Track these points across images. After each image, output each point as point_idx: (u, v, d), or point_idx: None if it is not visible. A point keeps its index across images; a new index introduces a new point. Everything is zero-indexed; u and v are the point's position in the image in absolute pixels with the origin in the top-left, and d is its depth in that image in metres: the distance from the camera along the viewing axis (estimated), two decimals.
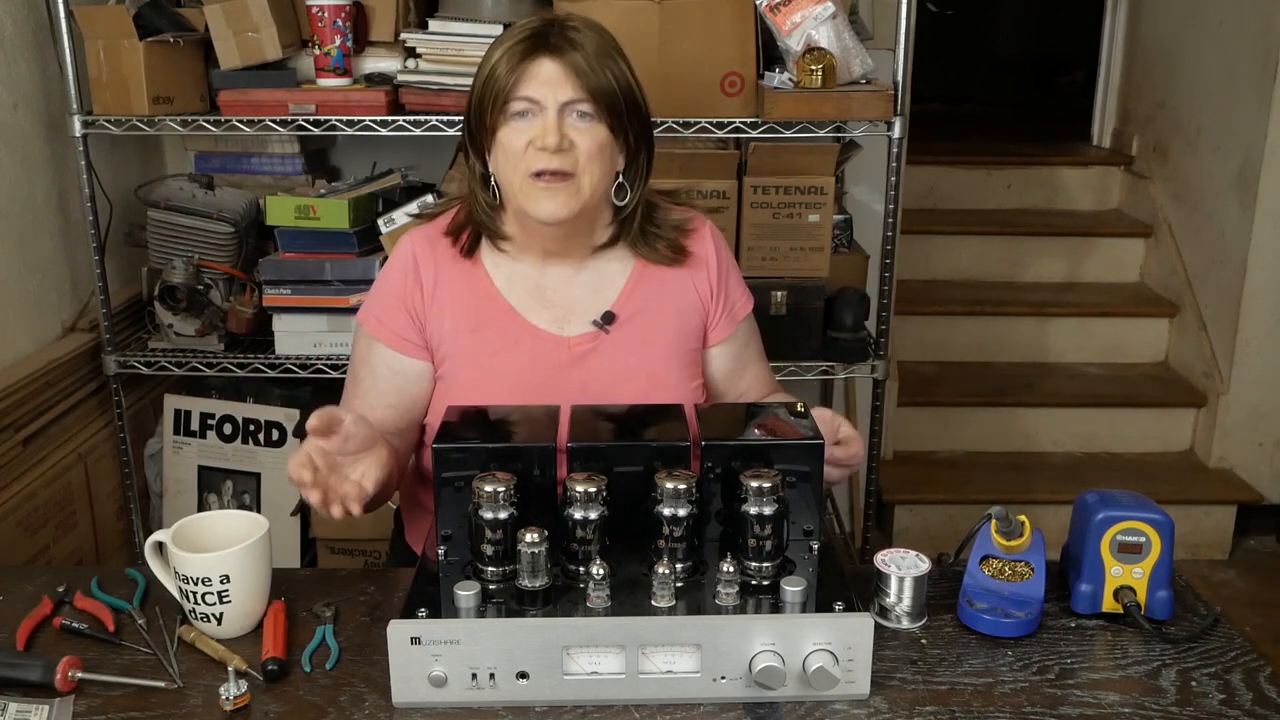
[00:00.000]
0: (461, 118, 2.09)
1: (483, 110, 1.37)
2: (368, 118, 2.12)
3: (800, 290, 2.28)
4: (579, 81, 1.33)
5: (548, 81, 1.34)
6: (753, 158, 2.24)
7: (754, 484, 1.13)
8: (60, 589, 1.27)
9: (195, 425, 2.49)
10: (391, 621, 1.06)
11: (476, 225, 1.46)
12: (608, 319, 1.46)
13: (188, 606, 1.18)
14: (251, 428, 2.48)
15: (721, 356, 1.55)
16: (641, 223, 1.48)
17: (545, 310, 1.46)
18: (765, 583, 1.13)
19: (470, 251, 1.47)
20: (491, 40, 2.06)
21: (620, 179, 1.44)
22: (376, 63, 2.22)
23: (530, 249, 1.46)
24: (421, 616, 1.06)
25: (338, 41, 2.11)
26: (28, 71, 2.19)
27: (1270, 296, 3.20)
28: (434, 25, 2.14)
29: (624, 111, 1.37)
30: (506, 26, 2.07)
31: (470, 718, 1.06)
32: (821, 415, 1.29)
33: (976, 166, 4.06)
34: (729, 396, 1.57)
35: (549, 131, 1.33)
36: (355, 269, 2.23)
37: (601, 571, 1.08)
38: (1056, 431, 3.48)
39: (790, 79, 2.09)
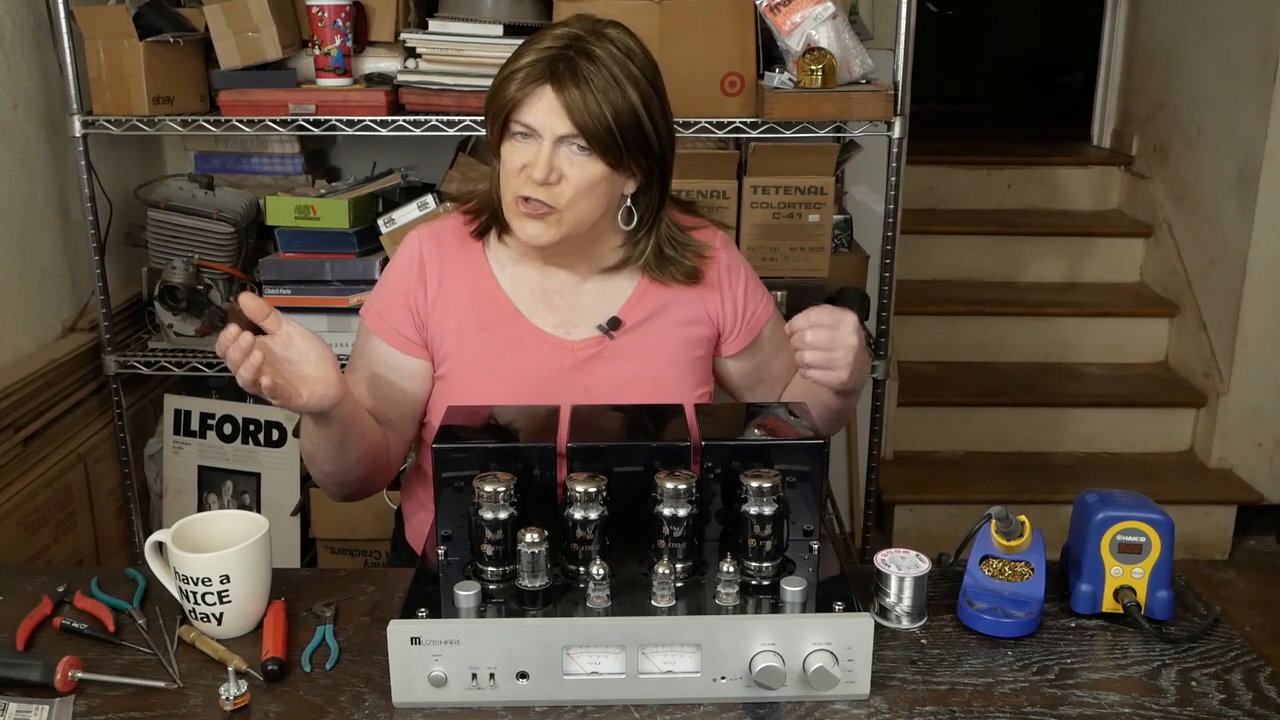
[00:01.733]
0: (461, 118, 2.12)
1: (490, 122, 1.38)
2: (368, 118, 2.12)
3: (800, 290, 2.28)
4: (573, 119, 1.31)
5: (544, 112, 1.32)
6: (753, 158, 2.24)
7: (754, 484, 1.13)
8: (60, 589, 1.27)
9: (195, 425, 2.49)
10: (391, 621, 1.05)
11: (490, 213, 1.47)
12: (613, 324, 1.46)
13: (188, 606, 1.18)
14: (251, 428, 2.48)
15: (740, 364, 1.56)
16: (659, 245, 1.46)
17: (551, 314, 1.46)
18: (765, 583, 1.13)
19: (483, 234, 1.47)
20: (490, 40, 2.09)
21: (628, 203, 1.42)
22: (376, 63, 2.22)
23: (533, 253, 1.46)
24: (421, 616, 1.06)
25: (338, 41, 2.11)
26: (28, 71, 2.19)
27: (1270, 296, 3.20)
28: (434, 25, 2.14)
29: (622, 148, 1.34)
30: (507, 27, 2.10)
31: (470, 718, 1.06)
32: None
33: (976, 166, 4.06)
34: (761, 385, 1.58)
35: (539, 164, 1.32)
36: (355, 269, 2.23)
37: (601, 571, 1.08)
38: (1056, 431, 3.48)
39: (790, 79, 2.09)
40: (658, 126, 1.38)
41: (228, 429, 2.49)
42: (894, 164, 2.17)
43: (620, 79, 1.33)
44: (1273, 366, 3.25)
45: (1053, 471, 3.37)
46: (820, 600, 1.10)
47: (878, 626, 1.13)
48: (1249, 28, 3.21)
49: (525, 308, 1.46)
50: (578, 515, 1.13)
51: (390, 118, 2.13)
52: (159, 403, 2.52)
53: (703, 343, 1.51)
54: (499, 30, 2.11)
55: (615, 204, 1.41)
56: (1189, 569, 1.64)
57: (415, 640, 1.05)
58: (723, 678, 1.07)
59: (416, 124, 2.13)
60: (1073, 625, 1.23)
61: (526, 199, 1.34)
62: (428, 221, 1.55)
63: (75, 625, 1.20)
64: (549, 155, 1.33)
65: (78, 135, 2.13)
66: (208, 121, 2.16)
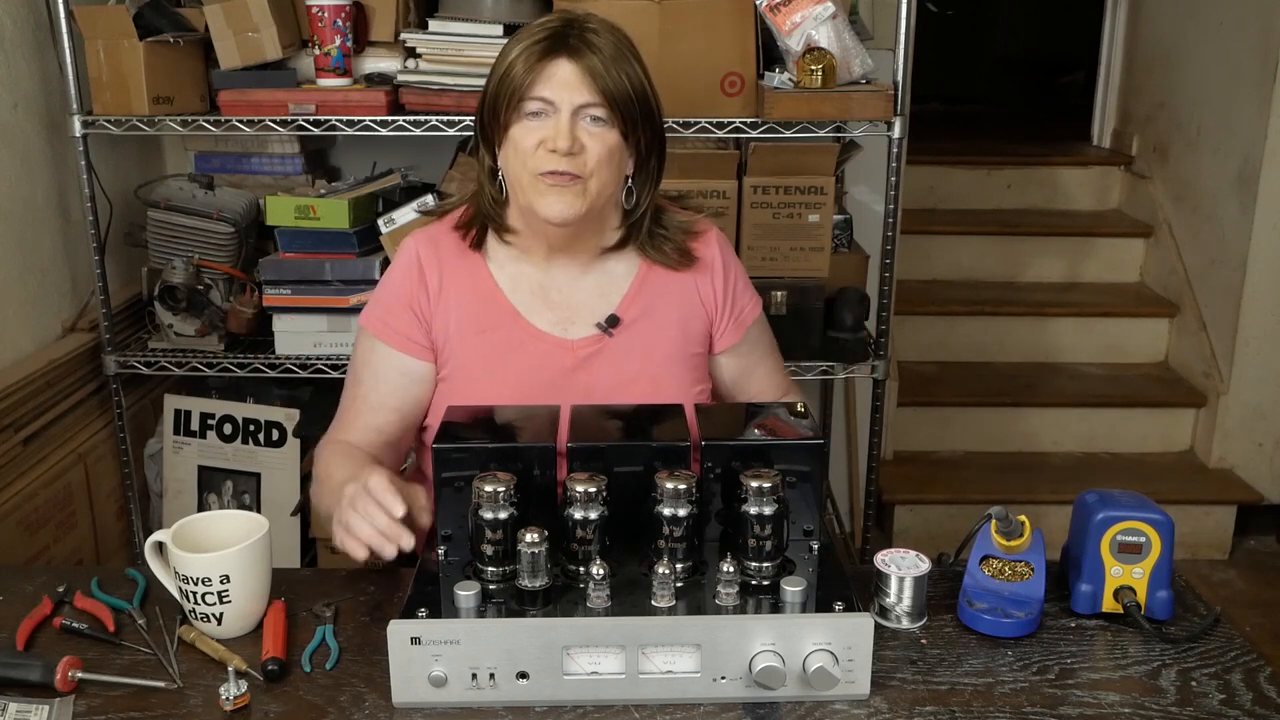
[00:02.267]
0: (461, 118, 2.12)
1: (497, 106, 1.37)
2: (368, 118, 2.12)
3: (800, 290, 2.28)
4: (594, 85, 1.33)
5: (563, 83, 1.33)
6: (753, 158, 2.24)
7: (754, 484, 1.13)
8: (60, 589, 1.27)
9: (195, 425, 2.49)
10: (391, 621, 1.06)
11: (483, 218, 1.46)
12: (612, 322, 1.46)
13: (188, 606, 1.18)
14: (251, 428, 2.48)
15: (730, 361, 1.55)
16: (650, 225, 1.48)
17: (549, 312, 1.46)
18: (765, 583, 1.13)
19: (478, 244, 1.47)
20: (490, 40, 2.09)
21: (630, 183, 1.44)
22: (376, 63, 2.22)
23: (535, 247, 1.46)
24: (421, 616, 1.06)
25: (338, 41, 2.11)
26: (28, 71, 2.19)
27: (1270, 296, 3.20)
28: (434, 25, 2.15)
29: (637, 116, 1.37)
30: (507, 27, 2.10)
31: (470, 718, 1.06)
32: None
33: (976, 166, 4.06)
34: (740, 399, 1.57)
35: (561, 134, 1.33)
36: (355, 269, 2.23)
37: (601, 571, 1.08)
38: (1056, 431, 3.48)
39: (790, 79, 2.09)
40: (657, 99, 1.41)
41: (228, 429, 2.49)
42: (894, 164, 2.17)
43: (624, 53, 1.37)
44: (1273, 366, 3.25)
45: (1053, 471, 3.36)
46: (820, 600, 1.10)
47: (878, 626, 1.13)
48: (1249, 28, 3.21)
49: (524, 307, 1.46)
50: (578, 515, 1.13)
51: (390, 118, 2.13)
52: (159, 403, 2.52)
53: (699, 339, 1.51)
54: (499, 30, 2.11)
55: (622, 181, 1.43)
56: (1189, 569, 1.64)
57: (415, 640, 1.05)
58: (723, 678, 1.07)
59: (416, 124, 2.13)
60: (1073, 625, 1.23)
61: (551, 173, 1.34)
62: (422, 226, 1.54)
63: (75, 625, 1.20)
64: (569, 125, 1.34)
65: (78, 135, 2.13)
66: (208, 121, 2.16)
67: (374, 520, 1.18)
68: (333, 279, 2.24)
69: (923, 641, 1.19)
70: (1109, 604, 1.23)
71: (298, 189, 2.47)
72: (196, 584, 1.15)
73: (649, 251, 1.48)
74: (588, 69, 1.33)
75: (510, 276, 1.47)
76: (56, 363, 2.20)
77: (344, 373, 1.54)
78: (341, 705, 1.08)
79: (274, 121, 2.14)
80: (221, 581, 1.16)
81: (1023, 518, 1.24)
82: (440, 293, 1.45)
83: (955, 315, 3.66)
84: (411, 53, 2.17)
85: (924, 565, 1.22)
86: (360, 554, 1.19)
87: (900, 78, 2.12)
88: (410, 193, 2.34)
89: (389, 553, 1.17)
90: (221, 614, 1.17)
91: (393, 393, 1.45)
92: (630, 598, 1.10)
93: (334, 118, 2.12)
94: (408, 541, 1.18)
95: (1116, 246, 3.85)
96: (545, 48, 1.34)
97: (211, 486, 2.51)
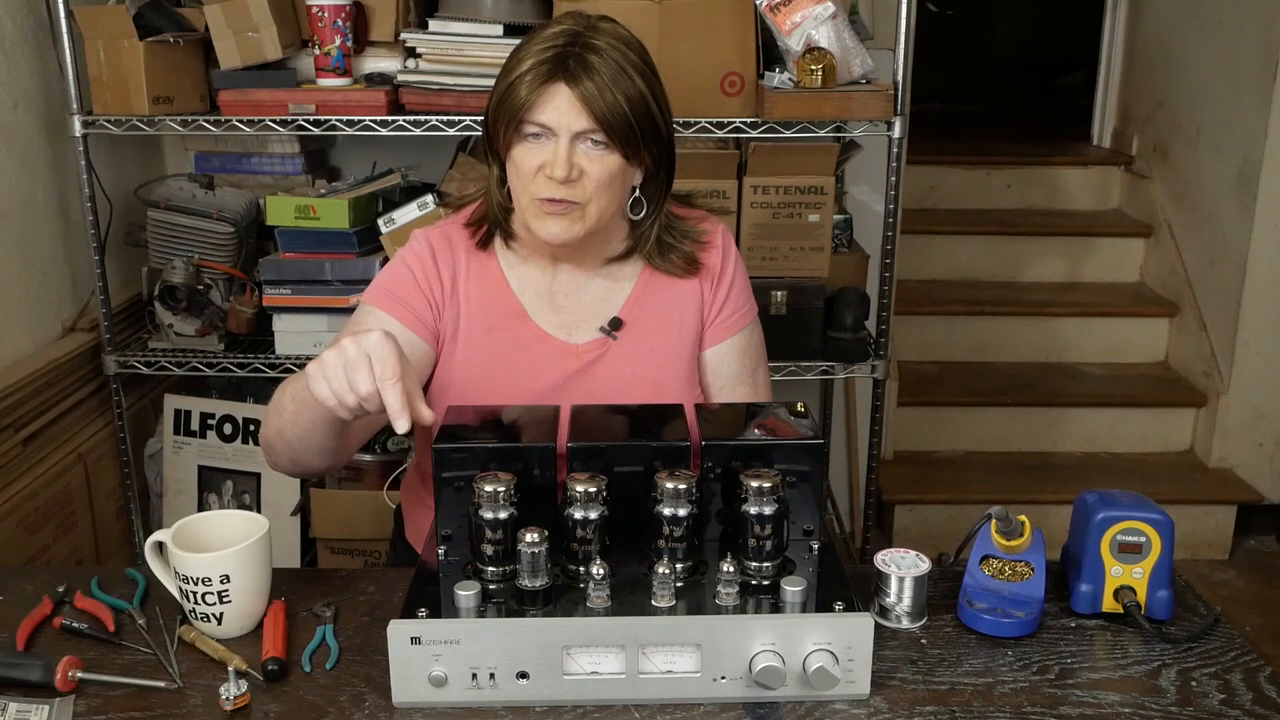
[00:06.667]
0: (462, 118, 2.12)
1: (498, 124, 1.36)
2: (368, 118, 2.12)
3: (800, 290, 2.28)
4: (591, 113, 1.31)
5: (561, 110, 1.31)
6: (753, 158, 2.24)
7: (754, 484, 1.13)
8: (60, 589, 1.27)
9: (195, 425, 2.50)
10: (391, 621, 1.05)
11: (492, 220, 1.46)
12: (615, 325, 1.46)
13: (188, 606, 1.18)
14: (251, 428, 2.48)
15: (714, 363, 1.53)
16: (659, 233, 1.47)
17: (555, 315, 1.46)
18: (765, 583, 1.13)
19: (486, 243, 1.47)
20: (490, 40, 2.09)
21: (637, 193, 1.43)
22: (376, 63, 2.22)
23: (540, 253, 1.46)
24: (421, 616, 1.06)
25: (338, 41, 2.11)
26: (28, 71, 2.19)
27: (1270, 296, 3.20)
28: (434, 25, 2.15)
29: (638, 137, 1.35)
30: (507, 27, 2.10)
31: (470, 718, 1.06)
32: None
33: (976, 166, 4.06)
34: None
35: (559, 163, 1.32)
36: (355, 269, 2.23)
37: (601, 571, 1.08)
38: (1056, 431, 3.48)
39: (790, 79, 2.09)
40: (663, 111, 1.39)
41: (228, 429, 2.49)
42: (894, 164, 2.17)
43: (626, 68, 1.33)
44: (1273, 366, 3.25)
45: (1053, 471, 3.37)
46: (820, 600, 1.10)
47: (878, 626, 1.13)
48: (1249, 28, 3.21)
49: (531, 309, 1.46)
50: (578, 515, 1.13)
51: (390, 118, 2.13)
52: (159, 403, 2.52)
53: (697, 340, 1.51)
54: (499, 30, 2.11)
55: (628, 195, 1.42)
56: (1189, 569, 1.65)
57: (415, 640, 1.05)
58: (723, 678, 1.07)
59: (416, 124, 2.13)
60: (1073, 625, 1.23)
61: (549, 200, 1.34)
62: (429, 224, 1.54)
63: (75, 625, 1.20)
64: (567, 152, 1.32)
65: (78, 135, 2.13)
66: (208, 121, 2.17)
67: (353, 376, 1.10)
68: (333, 279, 2.24)
69: (923, 641, 1.19)
70: (1109, 604, 1.23)
71: (298, 189, 2.47)
72: (196, 584, 1.15)
73: (655, 260, 1.47)
74: (583, 96, 1.30)
75: (519, 278, 1.47)
76: (56, 362, 2.20)
77: None
78: (341, 705, 1.08)
79: (274, 121, 2.14)
80: (221, 581, 1.16)
81: (1023, 518, 1.24)
82: (454, 287, 1.45)
83: (955, 315, 3.66)
84: (411, 53, 2.17)
85: (924, 565, 1.22)
86: (329, 399, 1.12)
87: (900, 78, 2.12)
88: (410, 193, 2.34)
89: (347, 402, 1.11)
90: (221, 614, 1.17)
91: None
92: (630, 598, 1.10)
93: (334, 118, 2.12)
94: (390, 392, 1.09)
95: (1116, 246, 3.85)
96: (548, 70, 1.31)
97: (211, 486, 2.51)
